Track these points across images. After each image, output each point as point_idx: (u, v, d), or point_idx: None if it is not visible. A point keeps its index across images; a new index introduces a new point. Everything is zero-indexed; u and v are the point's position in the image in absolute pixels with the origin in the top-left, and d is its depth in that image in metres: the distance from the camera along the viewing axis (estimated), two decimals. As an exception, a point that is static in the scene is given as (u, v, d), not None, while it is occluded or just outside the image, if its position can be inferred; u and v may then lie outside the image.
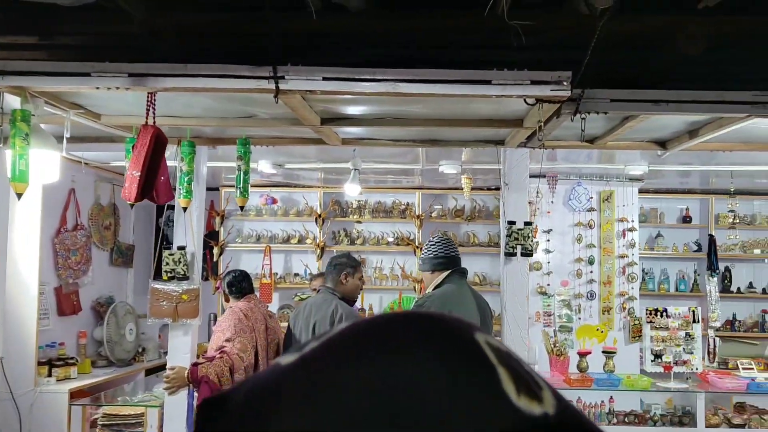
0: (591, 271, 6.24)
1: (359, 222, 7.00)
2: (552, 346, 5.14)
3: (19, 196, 2.61)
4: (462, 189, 5.84)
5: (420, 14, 2.92)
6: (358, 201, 6.93)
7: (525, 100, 2.68)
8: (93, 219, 5.97)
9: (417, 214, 6.85)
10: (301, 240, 6.97)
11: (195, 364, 3.64)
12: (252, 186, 6.42)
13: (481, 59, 2.80)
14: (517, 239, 3.89)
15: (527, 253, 3.91)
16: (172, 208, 5.77)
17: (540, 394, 0.41)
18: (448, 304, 3.36)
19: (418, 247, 6.70)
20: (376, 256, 7.07)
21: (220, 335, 3.75)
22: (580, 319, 6.09)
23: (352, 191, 5.26)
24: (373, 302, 7.04)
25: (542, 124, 2.85)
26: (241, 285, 4.07)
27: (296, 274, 7.07)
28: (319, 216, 6.88)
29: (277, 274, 6.98)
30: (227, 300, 4.11)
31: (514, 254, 3.93)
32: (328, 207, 6.96)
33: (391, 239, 6.99)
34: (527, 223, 3.93)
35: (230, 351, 3.64)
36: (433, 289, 3.48)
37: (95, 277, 5.97)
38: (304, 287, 6.89)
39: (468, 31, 2.87)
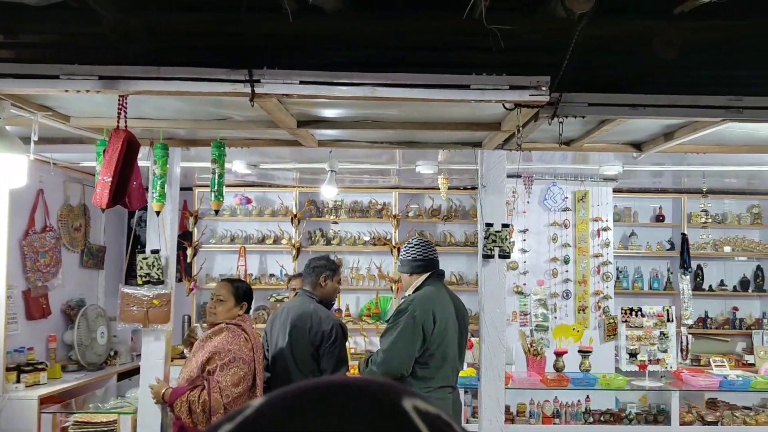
0: (566, 271, 6.28)
1: (336, 223, 6.96)
2: (529, 345, 5.16)
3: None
4: (438, 189, 5.84)
5: (397, 17, 2.89)
6: (335, 201, 6.88)
7: (504, 104, 2.67)
8: (62, 220, 5.83)
9: (394, 213, 6.83)
10: (277, 240, 6.90)
11: (176, 390, 3.27)
12: (226, 186, 6.32)
13: (458, 62, 2.78)
14: (494, 241, 3.89)
15: (505, 255, 3.91)
16: (144, 208, 5.65)
17: None
18: (430, 306, 3.42)
19: (395, 247, 6.68)
20: (352, 256, 7.03)
21: (215, 358, 3.24)
22: (556, 318, 6.13)
23: (329, 193, 5.22)
24: (350, 303, 7.01)
25: (520, 127, 2.85)
26: (250, 300, 3.63)
27: (272, 275, 7.00)
28: (295, 216, 6.81)
29: (252, 275, 6.90)
30: (230, 313, 3.46)
31: (492, 256, 3.93)
32: (304, 207, 6.90)
33: (367, 239, 6.96)
34: (505, 225, 3.93)
35: (214, 385, 3.17)
36: (414, 291, 3.51)
37: (65, 280, 5.84)
38: (280, 288, 6.83)
39: (445, 34, 2.85)
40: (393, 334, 3.33)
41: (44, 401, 4.77)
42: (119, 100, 2.72)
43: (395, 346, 3.30)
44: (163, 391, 3.33)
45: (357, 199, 7.04)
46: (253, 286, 6.71)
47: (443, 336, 3.42)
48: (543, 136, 3.80)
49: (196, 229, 6.74)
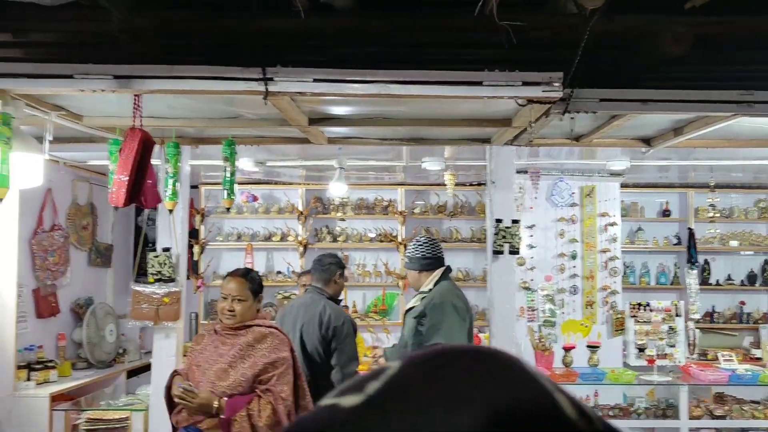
0: (574, 266, 6.29)
1: (343, 219, 6.97)
2: (537, 341, 5.17)
3: (0, 200, 2.54)
4: (444, 185, 5.85)
5: (408, 14, 2.89)
6: (341, 198, 6.89)
7: (516, 101, 2.67)
8: (71, 219, 5.85)
9: (400, 210, 6.83)
10: (283, 238, 6.92)
11: (232, 403, 2.84)
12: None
13: (469, 59, 2.78)
14: (504, 237, 3.90)
15: (515, 251, 3.92)
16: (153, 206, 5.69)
17: (588, 414, 0.43)
18: (461, 296, 3.51)
19: (401, 244, 6.69)
20: (358, 252, 7.04)
21: (269, 368, 2.93)
22: (563, 313, 6.13)
23: (337, 190, 5.23)
24: (357, 299, 7.02)
25: (533, 123, 2.85)
26: (263, 290, 3.30)
27: (279, 272, 7.01)
28: (301, 213, 6.82)
29: (259, 272, 6.90)
30: (251, 311, 3.09)
31: (502, 252, 3.94)
32: (310, 204, 6.91)
33: (373, 236, 6.97)
34: (514, 221, 3.94)
35: (277, 397, 2.88)
36: (434, 286, 3.53)
37: (74, 278, 5.86)
38: (287, 285, 6.85)
39: (455, 31, 2.85)
40: (442, 327, 3.32)
41: (55, 399, 4.79)
42: (134, 99, 2.73)
43: (454, 339, 3.32)
44: (216, 403, 2.82)
45: (363, 196, 7.04)
46: (260, 284, 6.81)
47: (469, 327, 3.51)
48: (552, 131, 3.81)
49: (202, 226, 6.76)
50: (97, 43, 2.82)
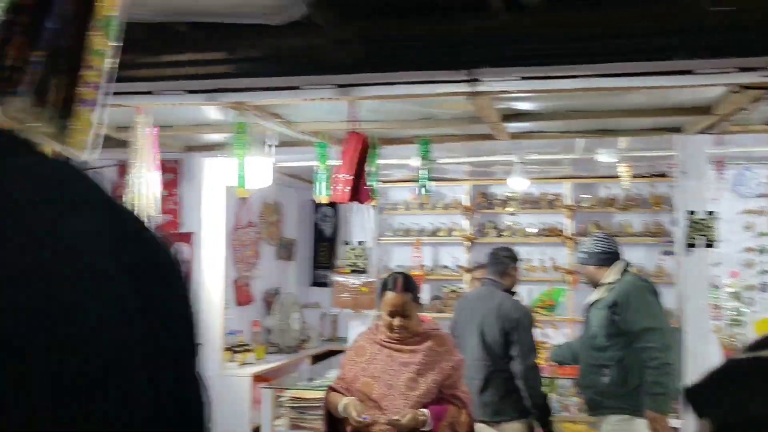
0: (764, 261, 5.86)
1: (513, 214, 7.00)
2: (728, 340, 4.91)
3: (244, 200, 2.93)
4: (615, 177, 5.70)
5: (604, 5, 2.90)
6: (508, 193, 6.93)
7: (731, 88, 2.60)
8: (262, 217, 6.44)
9: (567, 204, 6.74)
10: (449, 233, 7.10)
11: (435, 415, 2.79)
12: (402, 181, 6.63)
13: (673, 47, 2.74)
14: (699, 230, 3.78)
15: (710, 244, 3.79)
16: (329, 204, 6.13)
17: None
18: (653, 285, 3.70)
19: (569, 239, 6.60)
20: (523, 247, 7.02)
21: (452, 371, 2.92)
22: (754, 312, 5.74)
23: (517, 185, 5.30)
24: (523, 294, 7.02)
25: (745, 110, 2.76)
26: None
27: (445, 266, 7.20)
28: (467, 209, 6.96)
29: (426, 266, 7.15)
30: (419, 318, 2.98)
31: (694, 245, 3.82)
32: (475, 200, 7.03)
33: (536, 230, 6.93)
34: (710, 213, 3.80)
35: (466, 397, 2.92)
36: (620, 276, 3.66)
37: (264, 270, 6.44)
38: (453, 279, 7.03)
39: (658, 19, 2.82)
40: (645, 311, 3.47)
41: (255, 379, 5.33)
42: (350, 105, 3.00)
43: (662, 321, 3.44)
44: (421, 417, 2.76)
45: (527, 191, 7.02)
46: (427, 277, 7.06)
47: None
48: (749, 116, 3.62)
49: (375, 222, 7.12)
50: (312, 55, 3.12)
